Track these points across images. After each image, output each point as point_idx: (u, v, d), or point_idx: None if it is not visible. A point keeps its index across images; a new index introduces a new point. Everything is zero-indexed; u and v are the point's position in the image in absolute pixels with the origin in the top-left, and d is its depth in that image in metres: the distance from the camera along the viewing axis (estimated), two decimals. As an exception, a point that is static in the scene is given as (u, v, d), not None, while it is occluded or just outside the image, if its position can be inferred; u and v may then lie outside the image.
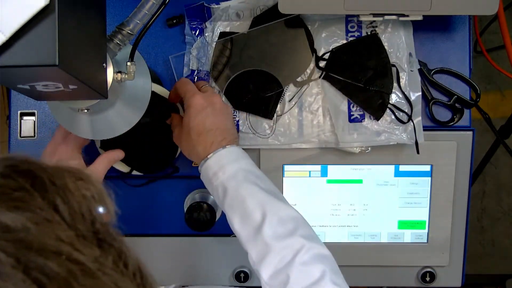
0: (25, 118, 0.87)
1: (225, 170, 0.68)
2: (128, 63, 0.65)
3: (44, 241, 0.32)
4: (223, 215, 0.87)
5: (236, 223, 0.66)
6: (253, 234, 0.64)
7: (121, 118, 0.70)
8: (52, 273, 0.30)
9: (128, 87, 0.69)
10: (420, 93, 0.83)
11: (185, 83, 0.75)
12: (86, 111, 0.65)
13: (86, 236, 0.35)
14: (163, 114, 0.80)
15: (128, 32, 0.62)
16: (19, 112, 0.87)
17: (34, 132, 0.87)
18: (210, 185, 0.70)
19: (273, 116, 0.84)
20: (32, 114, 0.87)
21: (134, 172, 0.84)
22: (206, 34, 0.85)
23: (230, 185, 0.67)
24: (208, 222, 0.78)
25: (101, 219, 0.37)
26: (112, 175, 0.87)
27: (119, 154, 0.77)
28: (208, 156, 0.69)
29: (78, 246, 0.33)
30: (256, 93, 0.83)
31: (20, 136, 0.87)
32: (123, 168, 0.83)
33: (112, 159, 0.76)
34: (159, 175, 0.87)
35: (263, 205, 0.65)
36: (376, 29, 0.83)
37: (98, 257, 0.34)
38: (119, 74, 0.64)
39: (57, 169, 0.37)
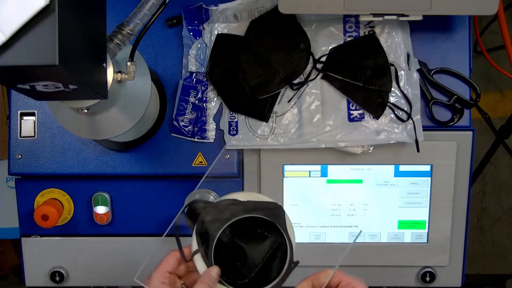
0: (25, 118, 0.87)
1: None
2: (128, 63, 0.65)
3: None
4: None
5: None
6: None
7: (121, 118, 0.70)
8: None
9: (128, 87, 0.69)
10: (418, 92, 0.83)
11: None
12: (86, 111, 0.65)
13: None
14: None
15: (128, 32, 0.62)
16: (19, 112, 0.87)
17: (34, 132, 0.87)
18: None
19: (269, 119, 0.83)
20: (32, 114, 0.87)
21: None
22: (204, 36, 0.85)
23: None
24: None
25: None
26: (108, 174, 0.87)
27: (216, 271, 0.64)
28: None
29: None
30: (252, 96, 0.83)
31: (20, 136, 0.87)
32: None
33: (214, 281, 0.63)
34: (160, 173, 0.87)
35: None
36: (374, 29, 0.83)
37: None
38: (119, 74, 0.64)
39: None
